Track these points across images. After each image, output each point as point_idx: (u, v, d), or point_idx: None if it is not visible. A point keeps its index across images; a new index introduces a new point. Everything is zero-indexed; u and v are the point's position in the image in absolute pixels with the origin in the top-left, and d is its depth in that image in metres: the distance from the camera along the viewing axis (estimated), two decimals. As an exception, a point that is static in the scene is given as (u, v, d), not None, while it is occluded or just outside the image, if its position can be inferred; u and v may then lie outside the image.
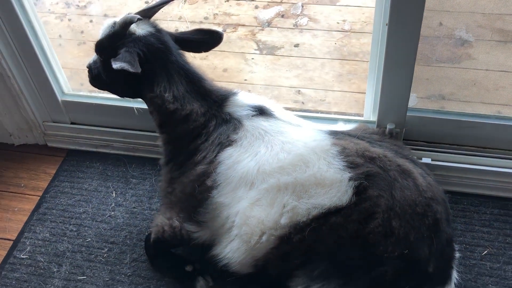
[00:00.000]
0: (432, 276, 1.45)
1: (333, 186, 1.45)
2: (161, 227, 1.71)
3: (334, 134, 1.62)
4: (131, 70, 1.49)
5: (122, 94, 1.79)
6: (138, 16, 1.60)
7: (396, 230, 1.40)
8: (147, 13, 1.69)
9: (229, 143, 1.60)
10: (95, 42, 1.69)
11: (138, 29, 1.64)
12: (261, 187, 1.52)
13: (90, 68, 1.74)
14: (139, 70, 1.52)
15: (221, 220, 1.58)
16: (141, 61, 1.58)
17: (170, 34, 1.71)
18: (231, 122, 1.64)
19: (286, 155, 1.53)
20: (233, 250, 1.56)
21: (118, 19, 1.64)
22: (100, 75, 1.71)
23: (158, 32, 1.67)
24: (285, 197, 1.48)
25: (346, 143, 1.55)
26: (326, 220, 1.43)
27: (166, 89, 1.63)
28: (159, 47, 1.63)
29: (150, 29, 1.65)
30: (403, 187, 1.45)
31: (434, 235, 1.44)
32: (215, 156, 1.59)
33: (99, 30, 1.68)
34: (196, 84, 1.67)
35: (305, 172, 1.49)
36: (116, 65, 1.49)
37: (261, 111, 1.66)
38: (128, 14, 1.62)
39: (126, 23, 1.60)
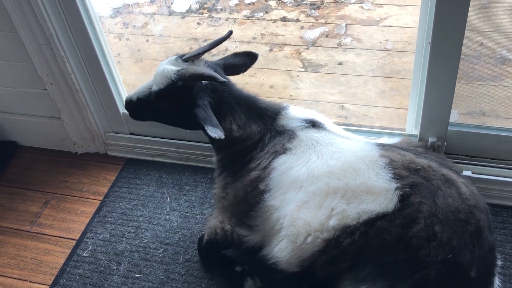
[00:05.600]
0: (475, 281, 1.48)
1: (381, 194, 1.52)
2: (213, 229, 1.83)
3: (381, 146, 1.70)
4: (223, 137, 1.62)
5: (181, 126, 1.90)
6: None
7: (439, 235, 1.45)
8: (200, 55, 1.79)
9: (284, 151, 1.71)
10: (157, 91, 1.73)
11: None
12: (309, 189, 1.60)
13: (131, 101, 1.80)
14: (223, 135, 1.64)
15: (272, 222, 1.67)
16: (211, 107, 1.71)
17: (219, 65, 1.82)
18: (285, 133, 1.75)
19: (335, 161, 1.63)
20: (280, 250, 1.64)
21: (175, 68, 1.71)
22: (149, 110, 1.80)
23: (213, 70, 1.76)
24: (334, 201, 1.56)
25: (393, 155, 1.62)
26: (372, 224, 1.51)
27: (232, 122, 1.76)
28: (223, 88, 1.76)
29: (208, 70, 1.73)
30: (446, 195, 1.51)
31: (477, 241, 1.47)
32: (269, 162, 1.70)
33: (155, 76, 1.75)
34: (252, 107, 1.80)
35: (355, 179, 1.57)
36: (214, 134, 1.62)
37: (313, 124, 1.77)
38: (197, 67, 1.71)
39: (203, 78, 1.68)
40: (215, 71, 1.76)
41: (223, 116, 1.76)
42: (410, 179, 1.54)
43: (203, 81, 1.72)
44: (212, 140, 1.84)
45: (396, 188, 1.52)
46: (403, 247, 1.48)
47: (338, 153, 1.66)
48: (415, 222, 1.48)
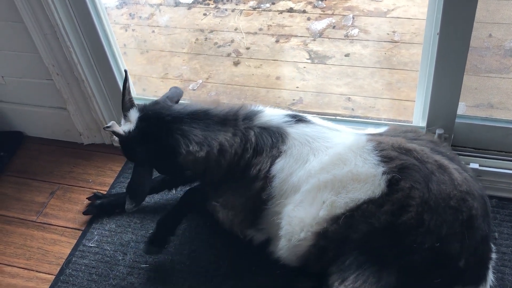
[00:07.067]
0: (464, 272, 1.45)
1: (368, 181, 1.48)
2: (222, 220, 1.80)
3: (370, 134, 1.67)
4: (130, 211, 1.71)
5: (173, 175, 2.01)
6: (121, 133, 1.71)
7: (427, 222, 1.41)
8: (127, 105, 1.77)
9: (279, 154, 1.65)
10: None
11: (129, 125, 1.73)
12: (304, 188, 1.58)
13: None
14: (141, 202, 1.71)
15: (275, 225, 1.66)
16: (158, 149, 1.70)
17: (158, 103, 1.79)
18: (272, 130, 1.68)
19: (327, 157, 1.59)
20: (279, 248, 1.65)
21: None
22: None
23: (142, 111, 1.74)
24: (324, 194, 1.53)
25: (382, 138, 1.59)
26: (358, 208, 1.48)
27: (187, 144, 1.67)
28: (152, 122, 1.71)
29: (136, 115, 1.74)
30: (440, 181, 1.45)
31: (467, 231, 1.43)
32: (268, 169, 1.64)
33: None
34: (206, 118, 1.70)
35: (342, 169, 1.53)
36: (126, 206, 1.70)
37: (299, 119, 1.72)
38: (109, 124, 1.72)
39: (115, 134, 1.73)
40: (147, 113, 1.73)
41: (177, 144, 1.67)
42: (400, 161, 1.49)
43: (131, 130, 1.72)
44: (196, 176, 1.84)
45: (384, 173, 1.47)
46: (389, 233, 1.44)
47: (331, 149, 1.62)
48: (406, 209, 1.43)
